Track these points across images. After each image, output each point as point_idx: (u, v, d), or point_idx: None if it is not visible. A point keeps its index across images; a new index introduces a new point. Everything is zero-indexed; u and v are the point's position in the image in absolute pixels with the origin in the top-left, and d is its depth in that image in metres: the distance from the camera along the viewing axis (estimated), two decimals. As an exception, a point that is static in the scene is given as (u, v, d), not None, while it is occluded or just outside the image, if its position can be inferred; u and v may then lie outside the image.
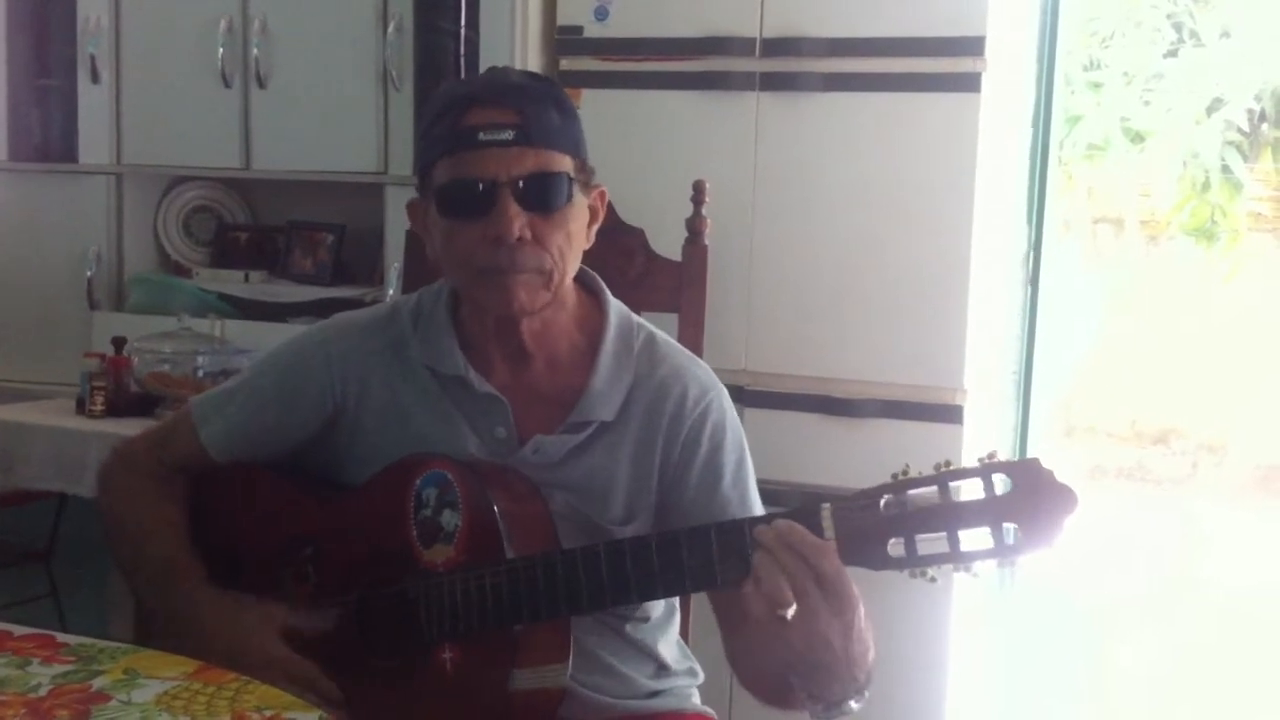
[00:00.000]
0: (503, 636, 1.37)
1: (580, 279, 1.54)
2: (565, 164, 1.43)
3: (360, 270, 3.15)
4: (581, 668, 1.45)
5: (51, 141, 3.26)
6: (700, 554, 1.30)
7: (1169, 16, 5.48)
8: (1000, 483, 1.21)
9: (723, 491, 1.50)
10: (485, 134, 1.39)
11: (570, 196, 1.43)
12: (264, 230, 3.32)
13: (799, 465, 2.55)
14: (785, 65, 2.59)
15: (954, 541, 1.22)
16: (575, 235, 1.45)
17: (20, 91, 3.27)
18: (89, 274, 3.15)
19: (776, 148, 2.61)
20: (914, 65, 2.51)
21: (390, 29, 2.88)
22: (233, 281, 3.17)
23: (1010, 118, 2.80)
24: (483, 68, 2.65)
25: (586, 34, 2.72)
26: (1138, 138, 5.54)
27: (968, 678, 2.76)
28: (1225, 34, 5.38)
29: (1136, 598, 4.30)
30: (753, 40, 2.60)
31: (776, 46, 2.59)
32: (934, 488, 1.22)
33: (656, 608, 1.57)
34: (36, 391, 3.05)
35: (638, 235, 1.97)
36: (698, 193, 2.01)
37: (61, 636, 1.34)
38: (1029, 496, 1.20)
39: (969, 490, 1.22)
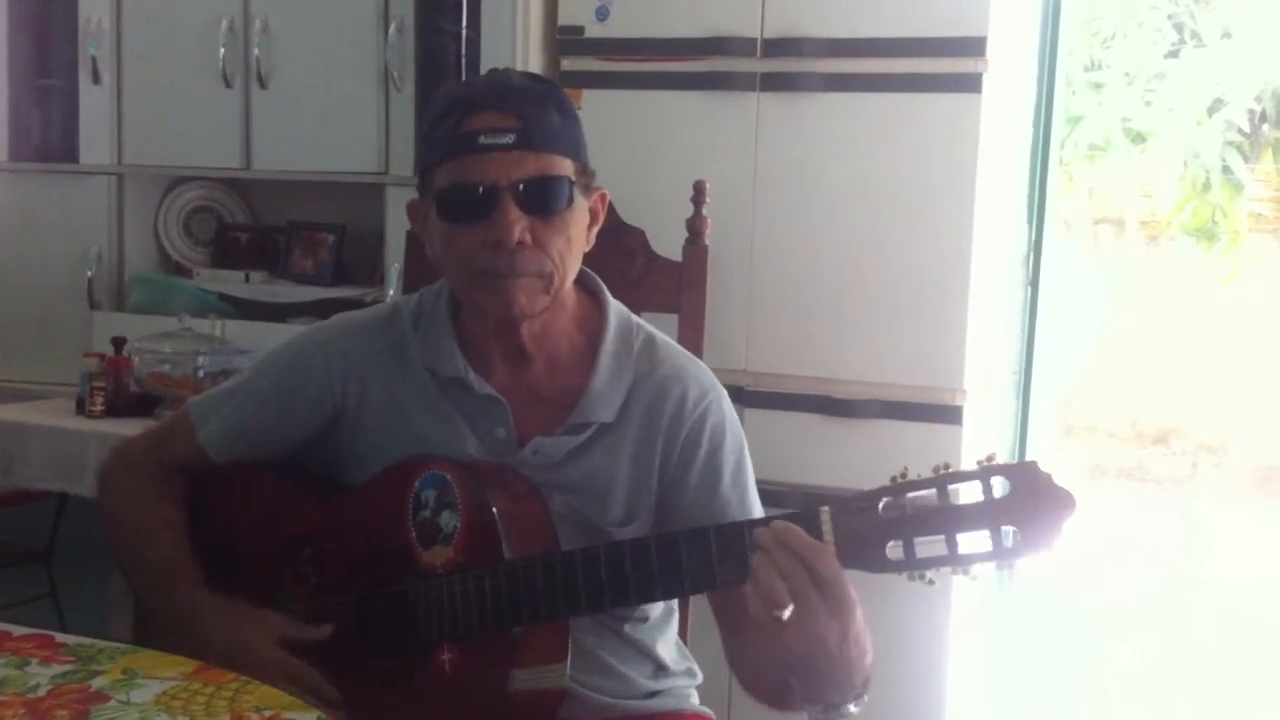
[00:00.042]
0: (502, 637, 1.37)
1: (580, 280, 1.54)
2: (566, 167, 1.43)
3: (360, 270, 3.15)
4: (580, 668, 1.45)
5: (52, 142, 3.27)
6: (699, 556, 1.30)
7: (1170, 17, 5.48)
8: (999, 485, 1.21)
9: (722, 493, 1.50)
10: (486, 138, 1.39)
11: (571, 200, 1.43)
12: (264, 230, 3.32)
13: (799, 466, 2.55)
14: (786, 65, 2.59)
15: (952, 544, 1.22)
16: (575, 238, 1.45)
17: (21, 91, 3.27)
18: (89, 274, 3.15)
19: (777, 148, 2.61)
20: (915, 66, 2.51)
21: (391, 29, 2.88)
22: (233, 282, 3.17)
23: (1011, 118, 2.80)
24: (484, 68, 2.65)
25: (587, 34, 2.72)
26: (1138, 138, 5.54)
27: (967, 679, 2.76)
28: (1226, 34, 5.38)
29: (1136, 598, 4.29)
30: (753, 40, 2.60)
31: (777, 47, 2.59)
32: (933, 490, 1.23)
33: (655, 608, 1.57)
34: (36, 391, 3.06)
35: (638, 235, 1.96)
36: (698, 193, 2.01)
37: (61, 637, 1.33)
38: (1027, 499, 1.21)
39: (968, 493, 1.22)
